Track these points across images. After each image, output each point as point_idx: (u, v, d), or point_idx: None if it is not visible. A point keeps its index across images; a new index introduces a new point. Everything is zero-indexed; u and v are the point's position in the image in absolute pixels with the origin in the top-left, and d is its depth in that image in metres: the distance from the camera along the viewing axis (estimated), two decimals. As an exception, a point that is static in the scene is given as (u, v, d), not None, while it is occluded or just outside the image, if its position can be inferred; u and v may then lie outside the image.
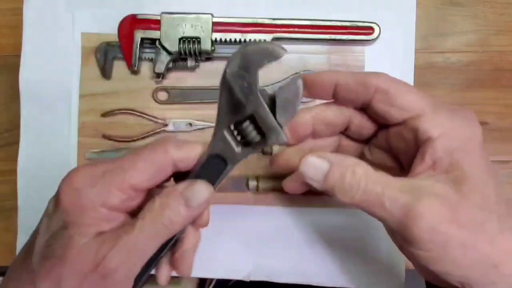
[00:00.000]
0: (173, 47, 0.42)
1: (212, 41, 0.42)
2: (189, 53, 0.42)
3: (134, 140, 0.44)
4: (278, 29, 0.43)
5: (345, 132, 0.32)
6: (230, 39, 0.43)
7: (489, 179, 0.26)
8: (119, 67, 0.44)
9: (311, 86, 0.29)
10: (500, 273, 0.25)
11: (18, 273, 0.28)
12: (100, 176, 0.26)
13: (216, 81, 0.44)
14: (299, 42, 0.44)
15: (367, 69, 0.44)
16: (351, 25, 0.43)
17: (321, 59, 0.44)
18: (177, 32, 0.42)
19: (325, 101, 0.31)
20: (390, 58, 0.44)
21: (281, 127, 0.27)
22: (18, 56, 0.44)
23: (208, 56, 0.43)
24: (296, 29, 0.43)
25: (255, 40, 0.43)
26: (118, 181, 0.26)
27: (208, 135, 0.44)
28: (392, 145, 0.30)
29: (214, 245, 0.43)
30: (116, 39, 0.43)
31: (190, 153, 0.28)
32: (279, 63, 0.44)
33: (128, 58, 0.43)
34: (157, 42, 0.42)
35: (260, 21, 0.43)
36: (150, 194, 0.28)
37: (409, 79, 0.44)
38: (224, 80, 0.26)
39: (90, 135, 0.44)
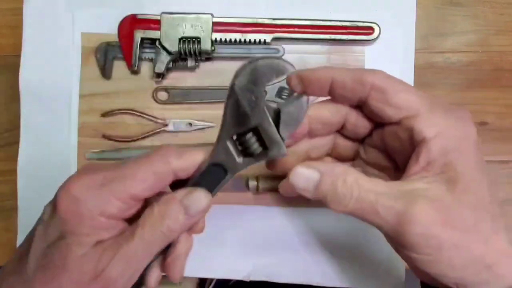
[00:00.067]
0: (173, 47, 0.42)
1: (212, 41, 0.42)
2: (189, 53, 0.42)
3: (134, 140, 0.44)
4: (278, 29, 0.43)
5: (341, 130, 0.32)
6: (230, 39, 0.43)
7: (483, 179, 0.26)
8: (119, 67, 0.44)
9: (307, 83, 0.29)
10: (495, 273, 0.25)
11: (10, 282, 0.27)
12: (99, 184, 0.26)
13: (216, 81, 0.45)
14: (299, 42, 0.44)
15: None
16: (351, 25, 0.43)
17: (321, 59, 0.44)
18: (177, 32, 0.42)
19: (320, 100, 0.31)
20: (390, 58, 0.44)
21: (283, 140, 0.28)
22: (18, 56, 0.44)
23: (208, 56, 0.43)
24: (296, 29, 0.43)
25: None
26: (117, 190, 0.26)
27: (208, 135, 0.44)
28: (387, 144, 0.30)
29: (214, 245, 0.43)
30: (116, 39, 0.43)
31: (190, 162, 0.28)
32: (279, 63, 0.44)
33: (128, 58, 0.43)
34: (157, 42, 0.42)
35: (260, 21, 0.43)
36: (148, 200, 0.28)
37: (409, 79, 0.44)
38: (232, 92, 0.27)
39: (90, 135, 0.44)
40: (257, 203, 0.43)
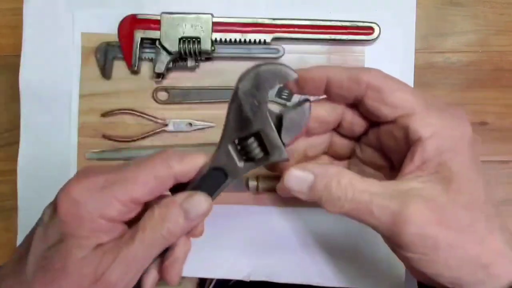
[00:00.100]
0: (173, 47, 0.42)
1: (212, 41, 0.42)
2: (189, 53, 0.42)
3: (134, 140, 0.44)
4: (278, 29, 0.43)
5: (337, 129, 0.32)
6: (230, 39, 0.43)
7: (478, 178, 0.26)
8: (119, 67, 0.44)
9: (302, 82, 0.29)
10: (490, 273, 0.25)
11: (8, 283, 0.27)
12: (100, 187, 0.26)
13: (216, 81, 0.45)
14: (299, 42, 0.44)
15: (367, 69, 0.44)
16: (351, 25, 0.43)
17: (321, 59, 0.44)
18: (177, 32, 0.42)
19: (317, 99, 0.31)
20: (390, 58, 0.44)
21: (284, 146, 0.28)
22: (18, 56, 0.44)
23: (208, 56, 0.43)
24: (296, 29, 0.43)
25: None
26: (118, 193, 0.26)
27: (208, 135, 0.44)
28: (383, 143, 0.30)
29: (214, 245, 0.43)
30: (116, 39, 0.43)
31: (192, 166, 0.28)
32: (279, 63, 0.44)
33: (128, 58, 0.43)
34: (157, 42, 0.42)
35: (260, 21, 0.43)
36: (148, 203, 0.28)
37: (409, 79, 0.44)
38: (236, 96, 0.27)
39: (90, 135, 0.44)
40: (257, 203, 0.43)
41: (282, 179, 0.28)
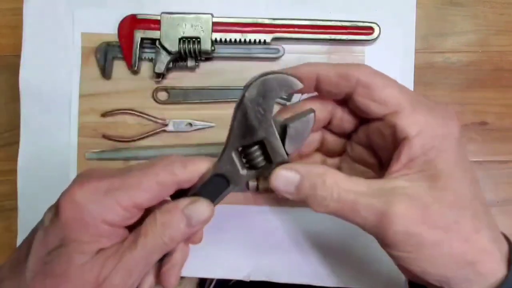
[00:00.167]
0: (173, 47, 0.42)
1: (212, 41, 0.42)
2: (189, 53, 0.42)
3: (134, 140, 0.44)
4: (278, 29, 0.43)
5: (328, 126, 0.32)
6: (230, 39, 0.43)
7: (464, 177, 0.26)
8: (119, 67, 0.44)
9: None
10: (477, 271, 0.25)
11: (6, 286, 0.27)
12: (103, 192, 0.26)
13: (216, 81, 0.45)
14: (299, 42, 0.44)
15: (367, 69, 0.44)
16: (351, 25, 0.43)
17: (321, 59, 0.44)
18: (177, 32, 0.42)
19: (307, 97, 0.31)
20: (390, 58, 0.44)
21: (288, 155, 0.28)
22: (18, 56, 0.44)
23: (208, 56, 0.43)
24: (296, 29, 0.43)
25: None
26: (121, 199, 0.26)
27: (208, 135, 0.44)
28: (372, 141, 0.30)
29: (214, 245, 0.43)
30: (116, 39, 0.43)
31: (194, 173, 0.28)
32: (278, 64, 0.44)
33: (128, 58, 0.43)
34: (157, 42, 0.42)
35: (260, 21, 0.43)
36: (149, 208, 0.28)
37: (409, 79, 0.44)
38: (242, 104, 0.27)
39: (90, 135, 0.44)
40: (257, 203, 0.43)
41: (269, 179, 0.28)
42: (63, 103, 0.44)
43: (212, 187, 0.29)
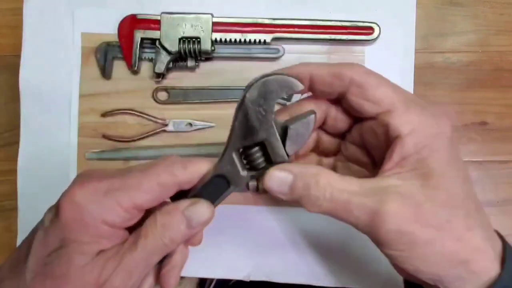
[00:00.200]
0: (173, 47, 0.42)
1: (212, 41, 0.42)
2: (189, 53, 0.42)
3: (134, 140, 0.44)
4: (278, 29, 0.43)
5: (322, 126, 0.32)
6: (230, 39, 0.43)
7: (456, 176, 0.26)
8: (119, 67, 0.44)
9: None
10: (470, 269, 0.25)
11: (6, 286, 0.27)
12: (104, 192, 0.26)
13: (216, 81, 0.45)
14: (299, 42, 0.44)
15: (367, 69, 0.44)
16: (351, 25, 0.43)
17: (321, 59, 0.44)
18: (177, 32, 0.42)
19: (302, 97, 0.31)
20: (390, 58, 0.44)
21: (288, 156, 0.28)
22: (18, 56, 0.44)
23: (208, 56, 0.43)
24: (296, 29, 0.43)
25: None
26: (122, 200, 0.26)
27: (208, 135, 0.44)
28: (366, 140, 0.30)
29: (214, 245, 0.43)
30: (116, 39, 0.43)
31: (195, 174, 0.28)
32: (278, 64, 0.44)
33: (128, 58, 0.43)
34: (157, 42, 0.42)
35: (260, 21, 0.43)
36: (149, 209, 0.28)
37: (409, 79, 0.44)
38: (243, 105, 0.27)
39: (90, 135, 0.44)
40: (257, 203, 0.43)
41: (262, 180, 0.28)
42: (63, 103, 0.44)
43: (213, 188, 0.29)
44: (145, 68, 0.44)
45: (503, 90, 0.45)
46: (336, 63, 0.29)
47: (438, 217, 0.25)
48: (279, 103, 0.44)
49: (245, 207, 0.43)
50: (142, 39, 0.42)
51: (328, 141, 0.33)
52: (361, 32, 0.43)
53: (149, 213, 0.28)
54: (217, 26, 0.43)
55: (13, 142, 0.45)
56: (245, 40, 0.43)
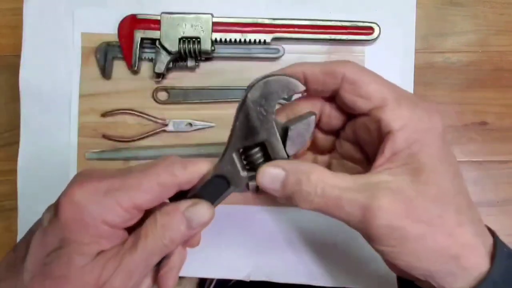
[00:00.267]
0: (173, 47, 0.42)
1: (212, 41, 0.42)
2: (189, 53, 0.42)
3: (134, 140, 0.44)
4: (278, 29, 0.43)
5: (317, 124, 0.32)
6: (230, 39, 0.43)
7: (447, 171, 0.26)
8: (119, 67, 0.44)
9: None
10: (461, 265, 0.25)
11: (3, 287, 0.27)
12: (104, 192, 0.26)
13: (216, 81, 0.45)
14: (299, 42, 0.44)
15: (367, 69, 0.44)
16: (351, 25, 0.43)
17: (321, 59, 0.44)
18: (177, 32, 0.42)
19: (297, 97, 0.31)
20: (390, 58, 0.44)
21: (288, 157, 0.28)
22: (18, 56, 0.44)
23: (208, 56, 0.43)
24: (296, 29, 0.43)
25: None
26: (122, 200, 0.26)
27: (208, 135, 0.44)
28: (359, 136, 0.30)
29: (214, 245, 0.43)
30: (116, 39, 0.43)
31: (195, 174, 0.28)
32: (278, 64, 0.44)
33: (128, 58, 0.43)
34: (157, 42, 0.42)
35: (260, 21, 0.43)
36: (148, 209, 0.28)
37: (409, 79, 0.44)
38: (244, 105, 0.27)
39: (90, 135, 0.44)
40: (257, 203, 0.43)
41: (256, 177, 0.28)
42: (63, 103, 0.44)
43: (213, 188, 0.29)
44: (145, 68, 0.44)
45: (503, 90, 0.45)
46: (329, 61, 0.29)
47: (429, 213, 0.25)
48: (279, 103, 0.44)
49: (245, 207, 0.43)
50: (142, 39, 0.42)
51: (323, 139, 0.33)
52: (361, 32, 0.43)
53: (148, 213, 0.28)
54: (217, 26, 0.43)
55: (13, 142, 0.45)
56: (245, 40, 0.43)
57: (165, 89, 0.44)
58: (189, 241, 0.30)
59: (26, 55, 0.44)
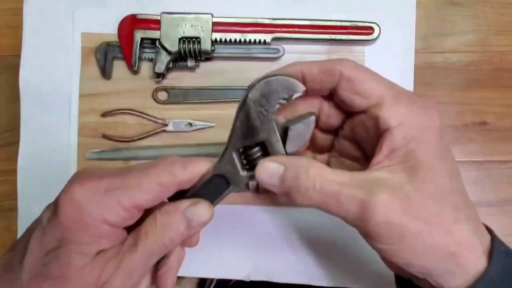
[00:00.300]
0: (173, 47, 0.42)
1: (212, 41, 0.42)
2: (189, 53, 0.42)
3: (134, 140, 0.44)
4: (278, 29, 0.43)
5: (316, 123, 0.32)
6: (230, 39, 0.43)
7: (444, 168, 0.26)
8: (119, 67, 0.44)
9: None
10: (458, 263, 0.25)
11: (0, 287, 0.27)
12: (104, 191, 0.26)
13: (216, 81, 0.45)
14: (299, 42, 0.44)
15: (367, 69, 0.44)
16: (351, 25, 0.43)
17: (321, 59, 0.44)
18: (177, 32, 0.42)
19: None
20: (390, 58, 0.44)
21: None
22: (18, 56, 0.44)
23: (208, 56, 0.43)
24: (296, 29, 0.43)
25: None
26: (122, 199, 0.26)
27: (208, 135, 0.44)
28: (357, 134, 0.30)
29: (214, 245, 0.43)
30: (116, 39, 0.43)
31: (195, 174, 0.28)
32: (278, 64, 0.44)
33: (128, 58, 0.43)
34: (157, 42, 0.42)
35: (260, 21, 0.43)
36: (148, 209, 0.28)
37: (409, 79, 0.44)
38: (245, 104, 0.27)
39: (90, 135, 0.44)
40: (257, 203, 0.43)
41: (255, 172, 0.27)
42: (63, 103, 0.44)
43: (212, 188, 0.29)
44: (145, 68, 0.44)
45: (503, 90, 0.45)
46: (327, 59, 0.29)
47: (427, 210, 0.25)
48: (279, 103, 0.44)
49: (245, 207, 0.43)
50: (142, 39, 0.42)
51: (321, 137, 0.33)
52: (361, 32, 0.43)
53: (147, 212, 0.28)
54: (217, 26, 0.43)
55: (13, 142, 0.45)
56: (245, 40, 0.43)
57: (165, 89, 0.44)
58: (187, 241, 0.30)
59: (26, 55, 0.44)
